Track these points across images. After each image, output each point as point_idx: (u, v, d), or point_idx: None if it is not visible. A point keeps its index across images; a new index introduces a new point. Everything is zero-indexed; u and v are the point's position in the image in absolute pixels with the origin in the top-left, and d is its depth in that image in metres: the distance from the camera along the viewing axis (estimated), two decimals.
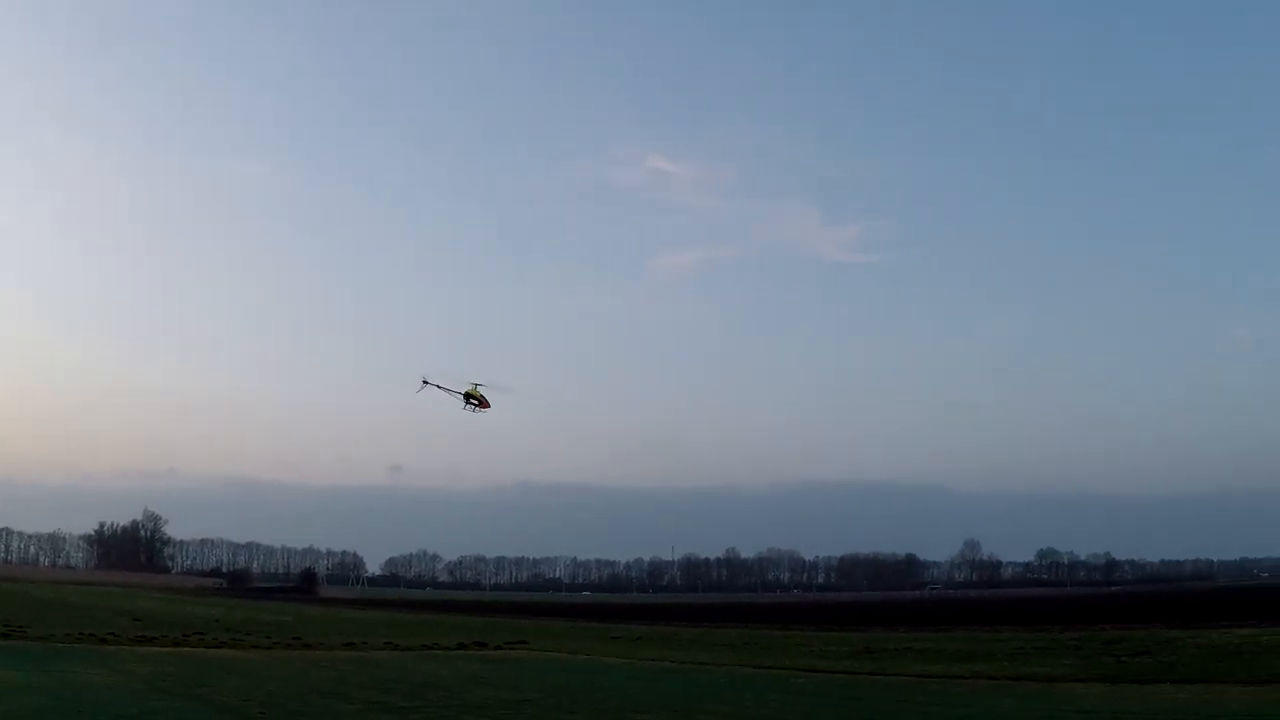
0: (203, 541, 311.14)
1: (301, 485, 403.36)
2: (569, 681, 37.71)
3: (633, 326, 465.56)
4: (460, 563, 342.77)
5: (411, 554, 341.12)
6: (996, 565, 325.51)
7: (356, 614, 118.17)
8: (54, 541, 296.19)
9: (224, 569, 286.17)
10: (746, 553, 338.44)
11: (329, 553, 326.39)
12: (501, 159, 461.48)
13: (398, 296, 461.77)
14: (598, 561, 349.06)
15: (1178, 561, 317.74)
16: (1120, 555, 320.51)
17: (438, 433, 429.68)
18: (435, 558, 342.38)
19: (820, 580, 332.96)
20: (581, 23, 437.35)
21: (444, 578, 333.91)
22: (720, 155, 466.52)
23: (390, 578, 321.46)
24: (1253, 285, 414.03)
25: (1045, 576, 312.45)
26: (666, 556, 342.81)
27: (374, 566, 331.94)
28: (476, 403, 60.38)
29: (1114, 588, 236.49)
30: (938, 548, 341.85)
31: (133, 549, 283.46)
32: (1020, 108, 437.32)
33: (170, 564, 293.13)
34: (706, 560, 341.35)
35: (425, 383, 58.99)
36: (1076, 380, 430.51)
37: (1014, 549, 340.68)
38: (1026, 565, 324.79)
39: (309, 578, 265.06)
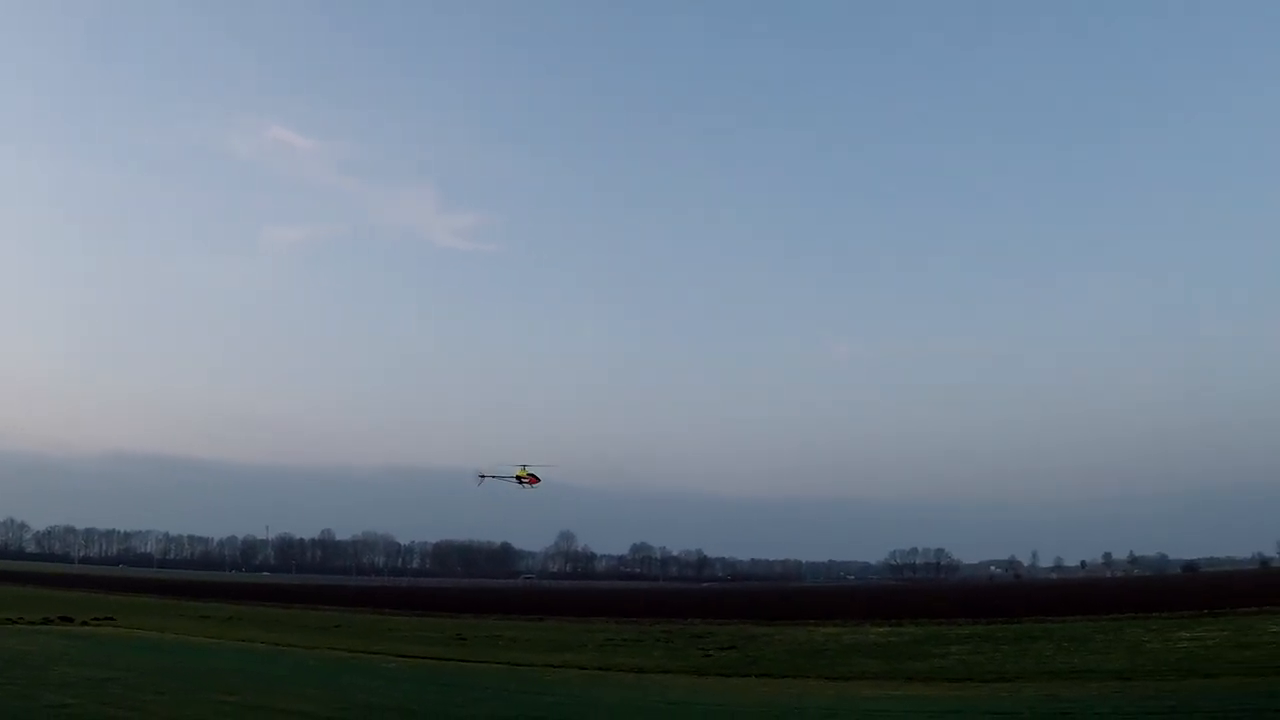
0: None
1: None
2: (158, 660, 37.34)
3: (239, 298, 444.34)
4: (49, 533, 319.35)
5: None
6: (591, 557, 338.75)
7: None
8: None
9: None
10: (342, 535, 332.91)
11: None
12: (113, 113, 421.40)
13: None
14: (190, 537, 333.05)
15: (768, 561, 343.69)
16: (712, 553, 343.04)
17: (33, 393, 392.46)
18: (23, 526, 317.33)
19: (415, 565, 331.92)
20: None
21: (31, 548, 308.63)
22: (345, 133, 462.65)
23: None
24: (857, 305, 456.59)
25: (638, 570, 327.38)
26: (261, 535, 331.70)
27: None
28: (528, 479, 67.82)
29: (705, 584, 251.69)
30: (533, 538, 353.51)
31: None
32: (646, 111, 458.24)
33: None
34: (301, 540, 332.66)
35: (482, 477, 67.46)
36: (676, 383, 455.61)
37: (608, 542, 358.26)
38: (620, 559, 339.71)
39: None
